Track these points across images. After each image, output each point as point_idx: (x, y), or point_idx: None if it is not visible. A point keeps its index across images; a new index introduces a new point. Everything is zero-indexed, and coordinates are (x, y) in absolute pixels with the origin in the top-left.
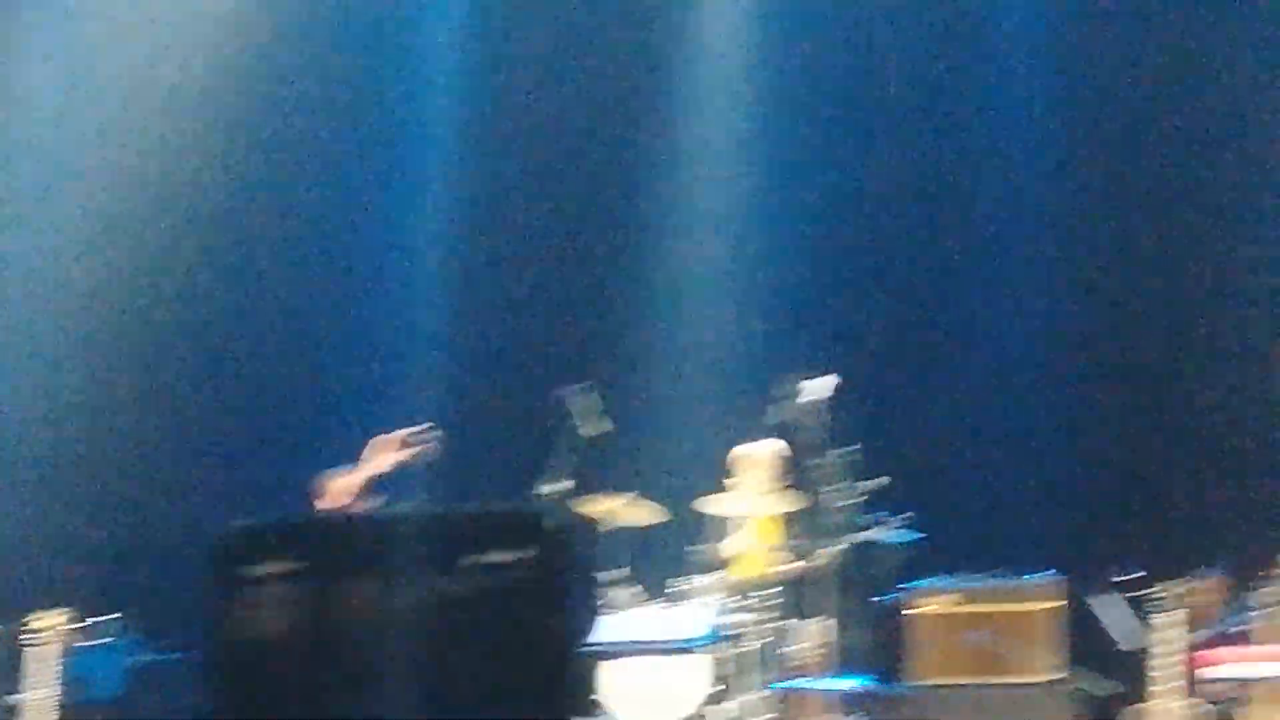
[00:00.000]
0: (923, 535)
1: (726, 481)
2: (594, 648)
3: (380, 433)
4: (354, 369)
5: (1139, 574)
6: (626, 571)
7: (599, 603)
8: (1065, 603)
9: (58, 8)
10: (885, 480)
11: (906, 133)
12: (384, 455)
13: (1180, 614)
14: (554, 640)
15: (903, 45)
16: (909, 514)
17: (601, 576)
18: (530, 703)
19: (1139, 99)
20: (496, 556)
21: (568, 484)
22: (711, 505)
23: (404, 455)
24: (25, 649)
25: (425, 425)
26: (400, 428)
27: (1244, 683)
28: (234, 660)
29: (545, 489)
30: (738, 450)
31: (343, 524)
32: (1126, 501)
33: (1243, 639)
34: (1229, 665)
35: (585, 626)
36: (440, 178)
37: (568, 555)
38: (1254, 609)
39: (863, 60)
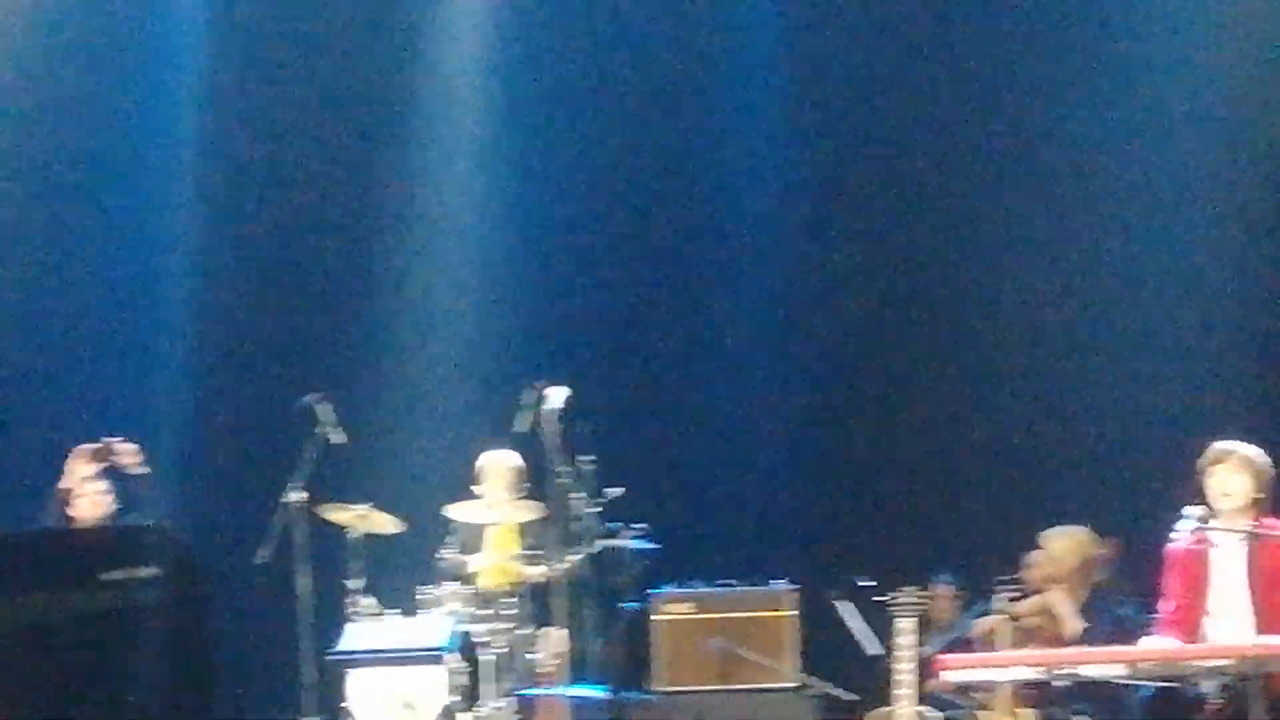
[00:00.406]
0: (660, 544)
1: (470, 489)
2: (339, 656)
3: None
4: (94, 378)
5: (874, 581)
6: (365, 582)
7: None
8: (800, 610)
9: None
10: (622, 490)
11: (641, 146)
12: (76, 466)
13: (916, 620)
14: (196, 652)
15: (639, 51)
16: (645, 524)
17: (345, 584)
18: (175, 713)
19: (870, 110)
20: (136, 572)
21: (305, 493)
22: (454, 513)
23: (96, 467)
24: None
25: (120, 438)
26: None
27: (981, 687)
28: None
29: (289, 496)
30: (481, 458)
31: None
32: (861, 510)
33: (981, 644)
34: (967, 670)
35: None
36: (179, 180)
37: (197, 570)
38: (990, 614)
39: (597, 69)
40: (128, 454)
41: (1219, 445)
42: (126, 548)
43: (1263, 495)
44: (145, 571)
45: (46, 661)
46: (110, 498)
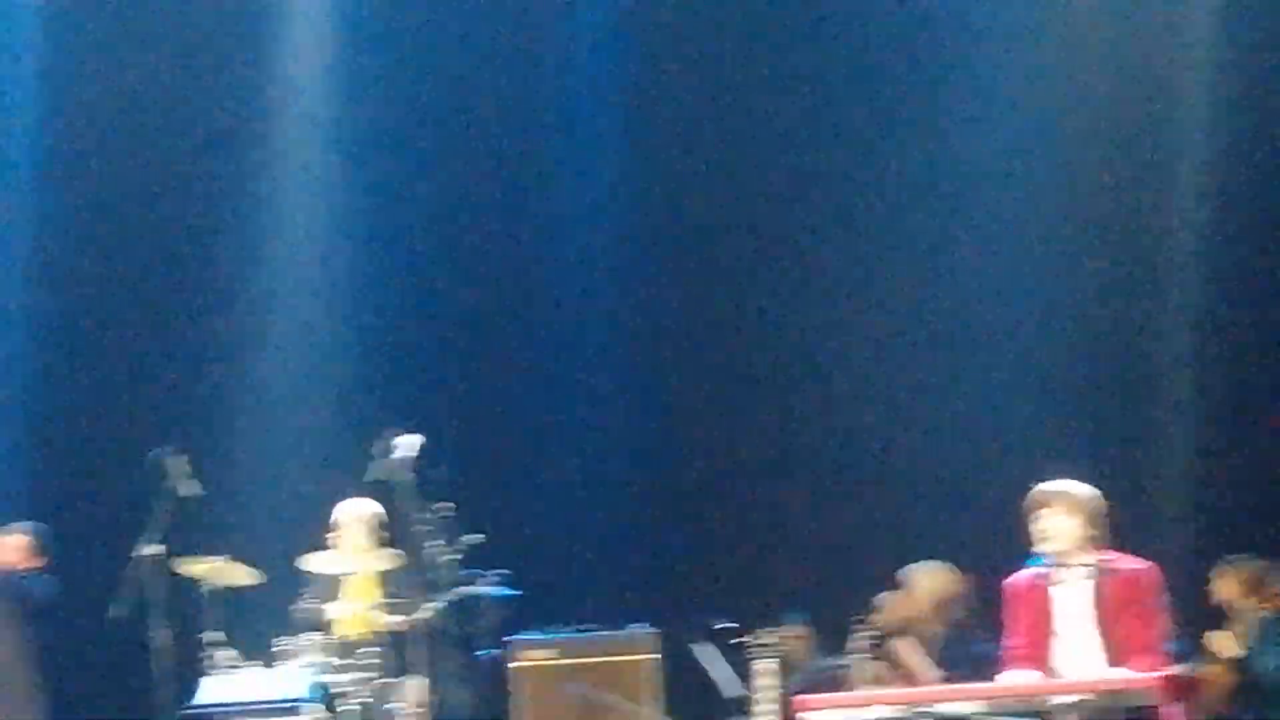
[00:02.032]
0: (519, 591)
1: (327, 539)
2: (195, 710)
3: None
4: None
5: (732, 624)
6: (222, 635)
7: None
8: (659, 654)
9: None
10: (480, 537)
11: (483, 180)
12: None
13: (774, 661)
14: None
15: (477, 73)
16: (504, 570)
17: (202, 637)
18: None
19: (713, 121)
20: None
21: (159, 546)
22: (311, 563)
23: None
24: None
25: None
26: None
27: None
28: None
29: (143, 550)
30: (337, 508)
31: None
32: (719, 551)
33: (836, 683)
34: (827, 711)
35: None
36: (33, 210)
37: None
38: (851, 653)
39: (437, 90)
40: None
41: (1040, 489)
42: None
43: (1095, 531)
44: None
45: None
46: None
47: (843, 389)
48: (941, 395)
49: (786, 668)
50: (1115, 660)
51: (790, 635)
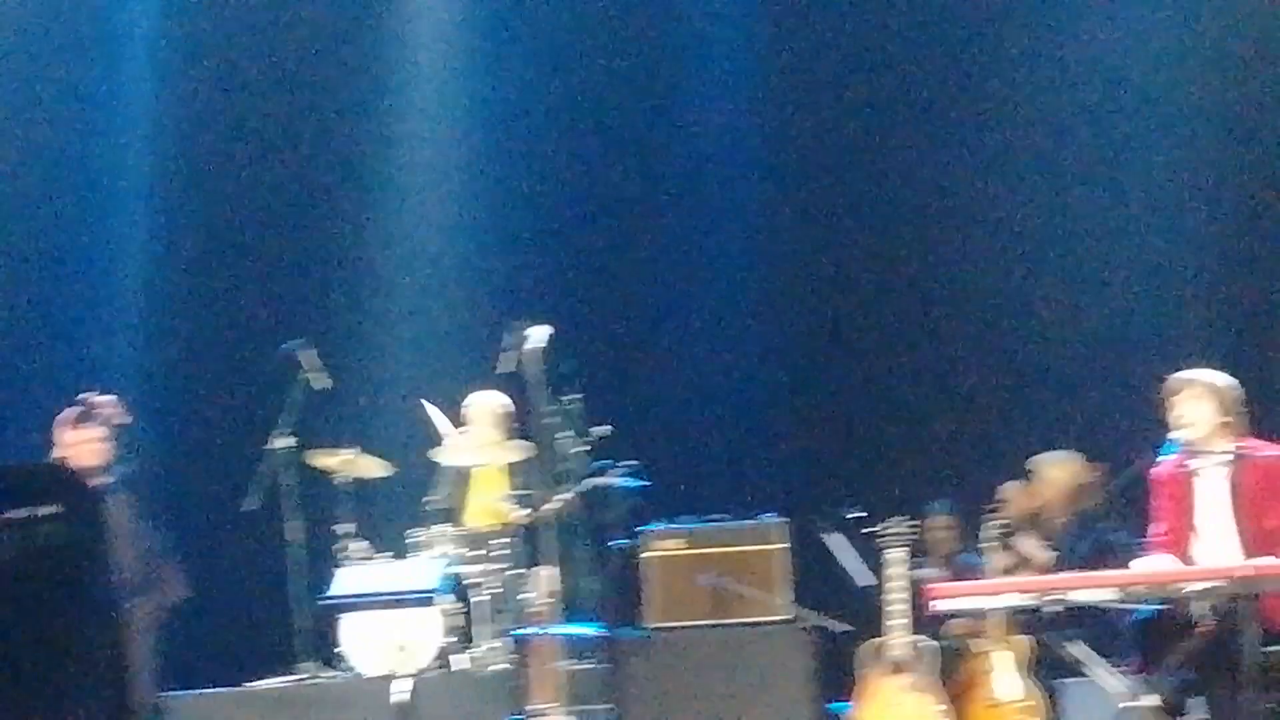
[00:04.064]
0: (648, 481)
1: (457, 431)
2: (331, 601)
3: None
4: (78, 333)
5: (864, 512)
6: (353, 527)
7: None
8: (789, 544)
9: None
10: (609, 428)
11: (621, 77)
12: (63, 435)
13: (907, 550)
14: (101, 594)
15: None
16: (633, 461)
17: (335, 529)
18: (83, 659)
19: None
20: (34, 510)
21: (291, 439)
22: (442, 456)
23: (89, 434)
24: None
25: (96, 392)
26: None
27: (976, 616)
28: None
29: (276, 443)
30: (467, 400)
31: None
32: (852, 440)
33: (975, 572)
34: (961, 599)
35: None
36: (155, 129)
37: (99, 509)
38: (984, 543)
39: (562, 25)
40: (107, 407)
41: (1176, 376)
42: (24, 486)
43: (1230, 418)
44: (45, 509)
45: None
46: (106, 445)
47: (979, 275)
48: (1080, 284)
49: (928, 556)
50: (1252, 548)
51: (936, 525)
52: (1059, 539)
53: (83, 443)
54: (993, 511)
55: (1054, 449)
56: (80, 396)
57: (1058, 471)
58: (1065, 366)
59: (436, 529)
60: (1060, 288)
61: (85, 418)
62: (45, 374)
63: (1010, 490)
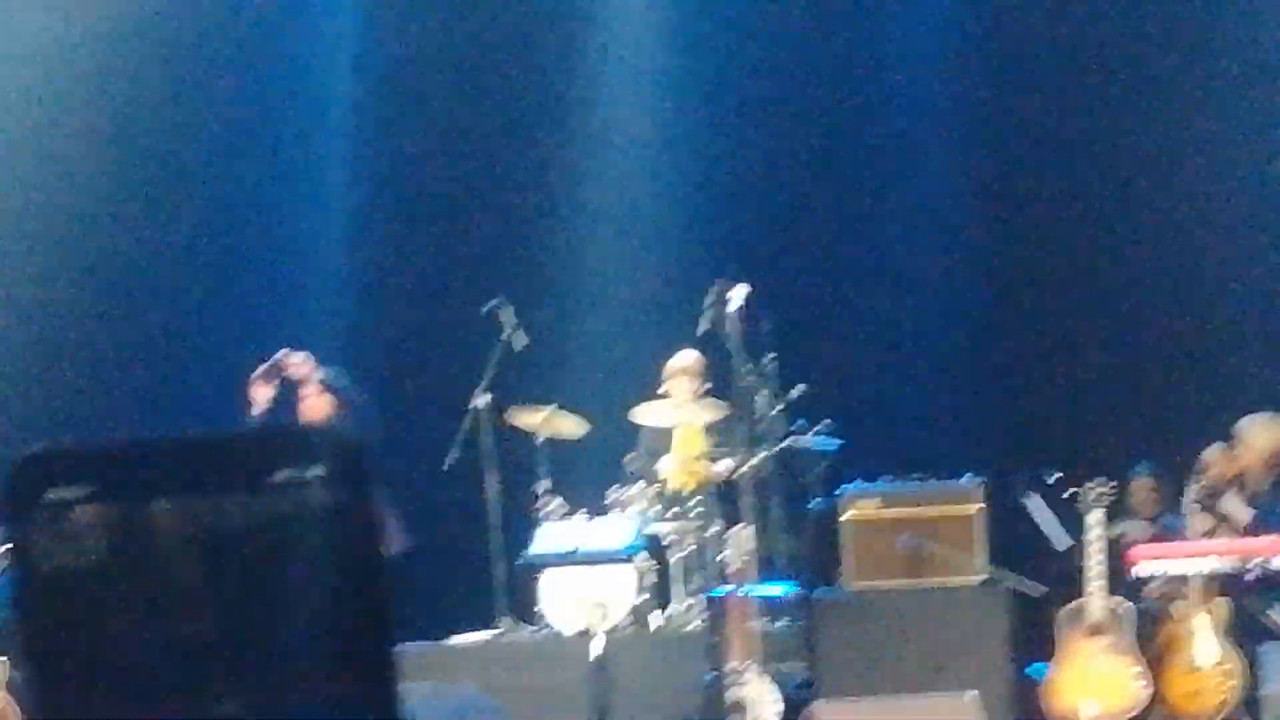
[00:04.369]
0: (844, 441)
1: (656, 390)
2: (534, 558)
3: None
4: (278, 291)
5: (1062, 474)
6: (550, 483)
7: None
8: (987, 505)
9: None
10: (805, 387)
11: (820, 39)
12: (257, 394)
13: (1104, 511)
14: (372, 555)
15: None
16: (830, 421)
17: (536, 487)
18: (353, 620)
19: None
20: (306, 472)
21: (490, 396)
22: (640, 415)
23: (273, 387)
24: None
25: (286, 350)
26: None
27: (1177, 579)
28: (37, 589)
29: (476, 401)
30: (667, 361)
31: (146, 444)
32: (1050, 401)
33: (1176, 535)
34: (1163, 562)
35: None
36: (358, 92)
37: (367, 470)
38: (1186, 506)
39: None
40: (297, 364)
41: None
42: (292, 448)
43: None
44: (313, 472)
45: (218, 569)
46: (329, 398)
47: (1186, 235)
48: None
49: (1131, 518)
50: None
51: (1139, 487)
52: (1261, 503)
53: (307, 399)
54: (1195, 474)
55: (1258, 411)
56: (279, 354)
57: (1261, 435)
58: (1272, 328)
59: (635, 487)
60: (1273, 249)
61: (272, 374)
62: (248, 338)
63: (1213, 453)
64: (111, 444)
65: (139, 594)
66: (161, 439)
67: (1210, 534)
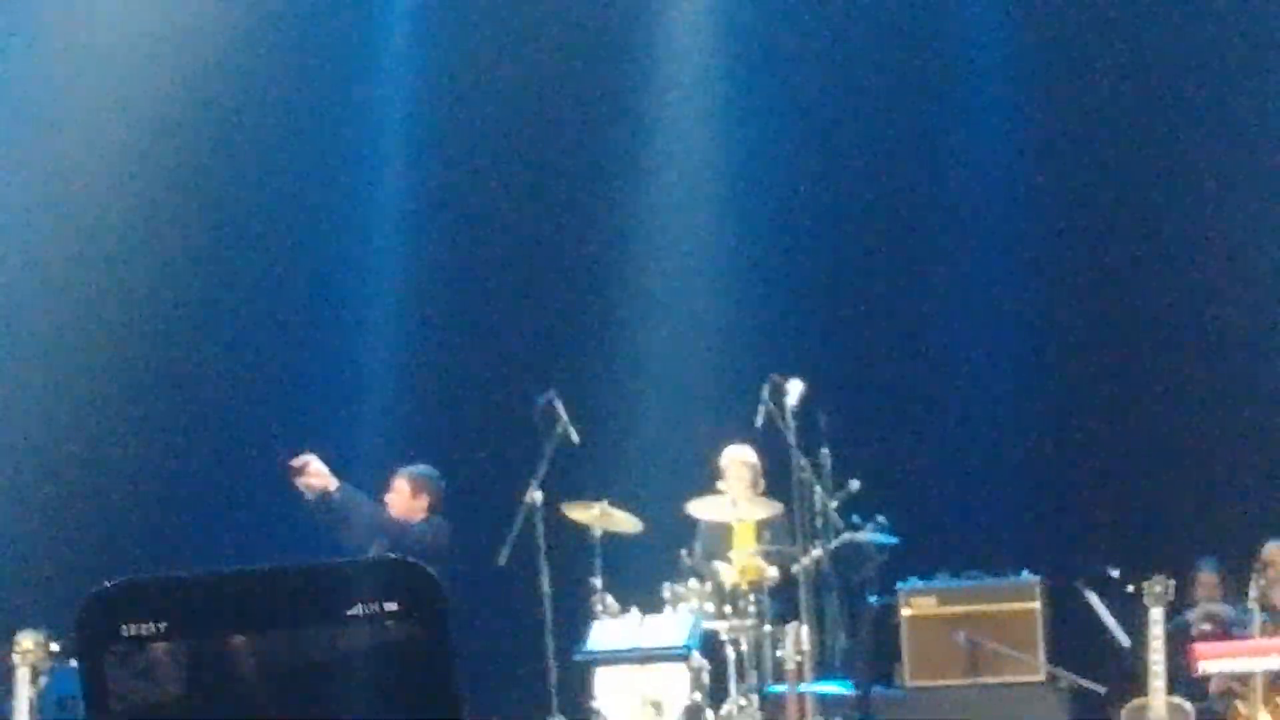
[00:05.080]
0: (901, 537)
1: (713, 485)
2: (587, 655)
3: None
4: (331, 382)
5: (1118, 571)
6: (601, 581)
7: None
8: (1044, 602)
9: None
10: (860, 483)
11: (875, 139)
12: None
13: (1165, 609)
14: (445, 690)
15: (871, 54)
16: (885, 517)
17: (593, 583)
18: None
19: (1106, 109)
20: (383, 606)
21: (542, 492)
22: (697, 510)
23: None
24: (13, 669)
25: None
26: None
27: (1240, 677)
28: None
29: (529, 495)
30: (723, 454)
31: (220, 578)
32: (1105, 498)
33: (1239, 633)
34: (1226, 660)
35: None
36: (407, 181)
37: (441, 603)
38: (1250, 603)
39: (831, 72)
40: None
41: None
42: (371, 581)
43: None
44: (390, 605)
45: (294, 705)
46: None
47: (1249, 329)
48: None
49: (1192, 615)
50: None
51: (1202, 582)
52: None
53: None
54: (1258, 569)
55: None
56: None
57: None
58: None
59: (690, 583)
60: None
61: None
62: (302, 421)
63: (1274, 549)
64: (185, 579)
65: None
66: (235, 573)
67: (1275, 631)
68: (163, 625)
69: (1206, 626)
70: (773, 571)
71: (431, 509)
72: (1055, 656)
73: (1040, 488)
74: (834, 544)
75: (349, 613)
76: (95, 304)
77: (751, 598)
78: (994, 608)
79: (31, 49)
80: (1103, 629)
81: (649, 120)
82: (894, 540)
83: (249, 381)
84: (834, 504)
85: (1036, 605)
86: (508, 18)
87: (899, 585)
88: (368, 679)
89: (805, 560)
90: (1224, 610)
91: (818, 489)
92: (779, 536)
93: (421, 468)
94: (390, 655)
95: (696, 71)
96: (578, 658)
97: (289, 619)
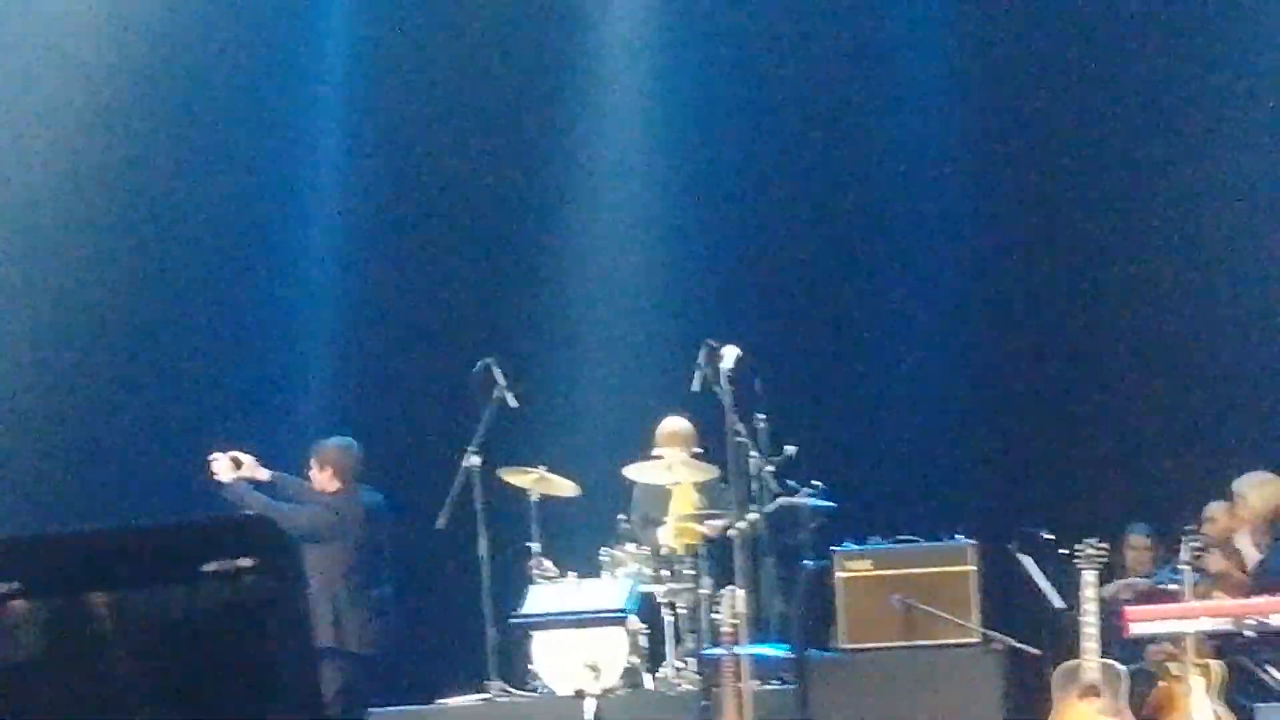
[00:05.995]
0: (836, 501)
1: (647, 451)
2: (523, 619)
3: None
4: (269, 356)
5: (1051, 535)
6: (539, 545)
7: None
8: (979, 565)
9: None
10: (796, 448)
11: (810, 106)
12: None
13: (1096, 572)
14: (300, 643)
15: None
16: (821, 481)
17: (529, 547)
18: (283, 708)
19: (1043, 82)
20: (237, 563)
21: (481, 457)
22: (634, 474)
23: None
24: None
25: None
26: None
27: (1174, 639)
28: None
29: (468, 460)
30: (660, 421)
31: (76, 537)
32: (1041, 462)
33: (1172, 595)
34: (1160, 622)
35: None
36: (343, 146)
37: (294, 558)
38: (1182, 565)
39: (771, 42)
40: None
41: None
42: (223, 539)
43: None
44: (244, 562)
45: (150, 660)
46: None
47: (1185, 293)
48: None
49: (1125, 577)
50: None
51: (1133, 546)
52: (1259, 560)
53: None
54: (1193, 531)
55: (1256, 469)
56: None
57: (1259, 492)
58: (1265, 388)
59: (627, 548)
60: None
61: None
62: (241, 393)
63: (1215, 510)
64: (40, 537)
65: (72, 687)
66: (90, 531)
67: (1205, 594)
68: (17, 585)
69: (1126, 597)
70: (709, 532)
71: (342, 479)
72: (989, 619)
73: (974, 452)
74: (770, 508)
75: (204, 569)
76: (31, 286)
77: (688, 561)
78: (929, 571)
79: None
80: (1037, 591)
81: (584, 88)
82: (830, 504)
83: (183, 354)
84: (770, 469)
85: (971, 568)
86: None
87: (834, 549)
88: (224, 634)
89: (741, 524)
90: (1143, 584)
91: (754, 454)
92: (715, 501)
93: (331, 440)
94: (245, 610)
95: (633, 41)
96: (515, 622)
97: (145, 576)
